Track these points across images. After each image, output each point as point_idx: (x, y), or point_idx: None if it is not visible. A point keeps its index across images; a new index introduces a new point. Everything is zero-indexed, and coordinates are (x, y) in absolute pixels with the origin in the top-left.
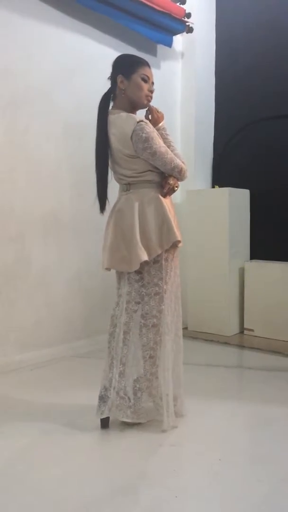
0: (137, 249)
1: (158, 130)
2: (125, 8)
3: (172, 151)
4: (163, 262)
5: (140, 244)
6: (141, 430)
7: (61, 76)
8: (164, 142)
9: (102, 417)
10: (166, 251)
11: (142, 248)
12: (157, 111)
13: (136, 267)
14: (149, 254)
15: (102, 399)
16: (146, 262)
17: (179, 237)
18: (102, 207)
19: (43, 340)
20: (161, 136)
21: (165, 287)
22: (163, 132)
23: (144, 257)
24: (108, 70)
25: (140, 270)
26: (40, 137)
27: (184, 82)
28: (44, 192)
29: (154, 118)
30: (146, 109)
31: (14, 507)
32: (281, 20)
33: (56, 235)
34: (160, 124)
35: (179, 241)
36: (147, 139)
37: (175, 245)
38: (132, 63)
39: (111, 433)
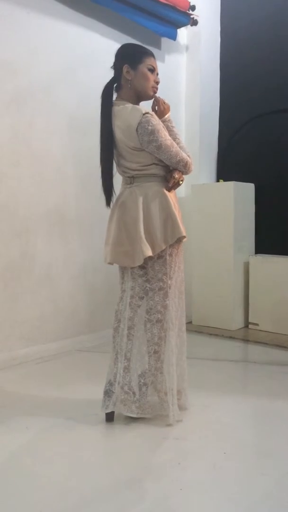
0: (141, 244)
1: (164, 122)
2: (129, 1)
3: (177, 144)
4: (168, 257)
5: (144, 239)
6: (146, 424)
7: (65, 70)
8: (170, 135)
9: (107, 412)
10: (171, 246)
11: (146, 243)
12: (164, 103)
13: (140, 262)
14: (153, 249)
15: (107, 393)
16: (150, 257)
17: (183, 232)
18: (108, 201)
19: (48, 335)
20: (167, 128)
21: (169, 282)
22: (169, 124)
23: (149, 252)
24: (112, 64)
25: (144, 265)
26: (44, 132)
27: (189, 76)
28: (49, 187)
29: (161, 109)
30: (153, 100)
31: (19, 501)
32: (285, 12)
33: (60, 230)
34: (166, 116)
35: (184, 236)
36: (153, 132)
37: (179, 240)
38: (138, 53)
39: (116, 427)
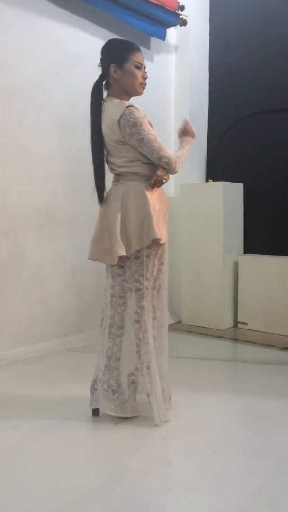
0: (115, 243)
1: (181, 138)
2: (118, 0)
3: (179, 149)
4: (145, 258)
5: (119, 238)
6: (135, 423)
7: (54, 69)
8: (180, 147)
9: (92, 408)
10: (148, 247)
11: (121, 243)
12: (191, 127)
13: (115, 261)
14: (127, 249)
15: (92, 390)
16: (127, 257)
17: (158, 234)
18: (100, 198)
19: (37, 335)
20: (180, 144)
21: (146, 283)
22: (184, 144)
23: (121, 251)
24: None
25: (122, 265)
26: (33, 131)
27: (178, 75)
28: (37, 187)
29: (187, 129)
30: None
31: (9, 501)
32: (275, 13)
33: (49, 230)
34: (188, 138)
35: (159, 239)
36: (135, 124)
37: (156, 242)
38: (123, 50)
39: (105, 426)
